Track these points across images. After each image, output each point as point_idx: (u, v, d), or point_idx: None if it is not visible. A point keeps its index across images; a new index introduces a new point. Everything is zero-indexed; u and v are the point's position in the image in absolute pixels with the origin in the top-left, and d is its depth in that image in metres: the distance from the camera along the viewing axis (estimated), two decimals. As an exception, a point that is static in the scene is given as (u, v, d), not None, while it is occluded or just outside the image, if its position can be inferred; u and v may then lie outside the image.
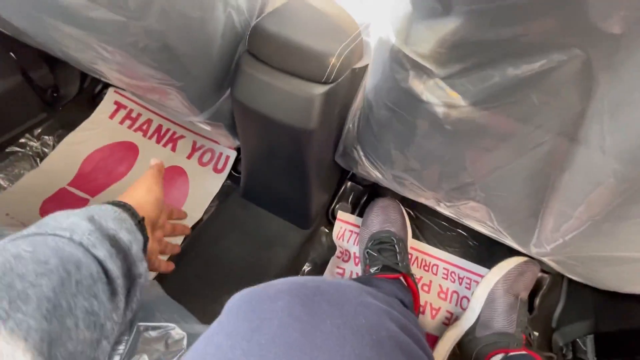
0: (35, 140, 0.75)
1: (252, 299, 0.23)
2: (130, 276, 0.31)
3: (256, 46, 0.40)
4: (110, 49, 0.34)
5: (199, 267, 0.63)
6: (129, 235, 0.31)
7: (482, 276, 0.71)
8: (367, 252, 0.62)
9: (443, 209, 0.58)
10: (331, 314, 0.21)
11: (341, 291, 0.23)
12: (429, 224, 0.75)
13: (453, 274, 0.72)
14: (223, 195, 0.75)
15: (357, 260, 0.71)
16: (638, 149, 0.24)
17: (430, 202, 0.56)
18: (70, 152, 0.76)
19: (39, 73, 0.74)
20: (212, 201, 0.75)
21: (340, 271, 0.70)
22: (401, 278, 0.57)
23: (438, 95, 0.30)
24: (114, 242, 0.30)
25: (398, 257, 0.60)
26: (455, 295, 0.70)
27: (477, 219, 0.52)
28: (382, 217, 0.67)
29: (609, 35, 0.20)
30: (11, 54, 0.69)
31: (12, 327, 0.19)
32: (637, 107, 0.22)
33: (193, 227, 0.71)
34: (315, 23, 0.42)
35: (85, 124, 0.80)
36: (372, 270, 0.57)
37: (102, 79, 0.60)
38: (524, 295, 0.62)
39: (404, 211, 0.70)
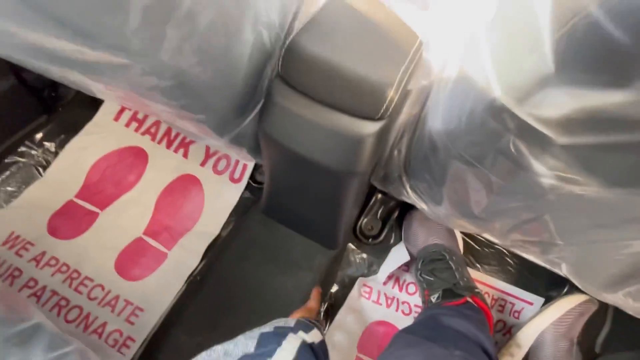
0: (36, 147, 0.69)
1: None
2: None
3: (291, 71, 0.31)
4: (114, 88, 0.27)
5: (221, 295, 0.58)
6: None
7: (524, 301, 0.65)
8: (422, 276, 0.56)
9: (494, 239, 0.51)
10: None
11: None
12: (464, 239, 0.69)
13: (494, 299, 0.66)
14: (241, 208, 0.69)
15: (386, 280, 0.66)
16: None
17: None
18: (75, 160, 0.70)
19: (34, 73, 0.66)
20: (230, 215, 0.69)
21: (368, 290, 0.65)
22: (469, 300, 0.52)
23: (552, 166, 0.22)
24: None
25: (457, 275, 0.55)
26: (498, 323, 0.65)
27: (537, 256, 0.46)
28: (425, 230, 0.62)
29: None
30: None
31: None
32: None
33: (211, 245, 0.66)
34: (363, 37, 0.33)
35: (88, 127, 0.73)
36: (433, 299, 0.53)
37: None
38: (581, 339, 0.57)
39: None
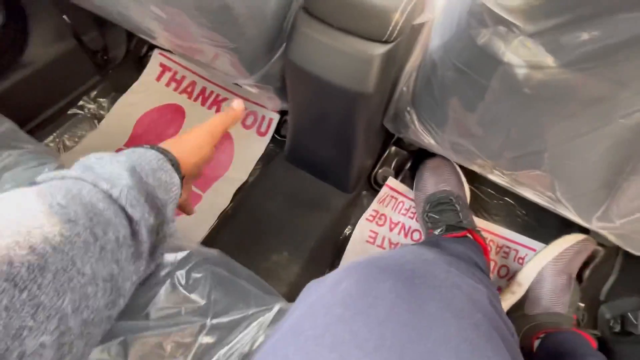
0: (92, 102, 0.79)
1: (361, 279, 0.25)
2: (158, 234, 0.30)
3: (313, 2, 0.38)
4: (168, 9, 0.34)
5: (249, 225, 0.67)
6: (165, 195, 0.30)
7: (529, 248, 0.69)
8: (427, 216, 0.62)
9: (496, 177, 0.55)
10: (432, 297, 0.23)
11: (432, 273, 0.25)
12: (474, 191, 0.73)
13: (499, 246, 0.71)
14: (267, 158, 0.77)
15: (392, 226, 0.72)
16: None
17: (483, 170, 0.54)
18: (124, 115, 0.80)
19: (90, 36, 0.76)
20: (257, 164, 0.77)
21: (373, 235, 0.71)
22: (468, 235, 0.57)
23: (522, 54, 0.27)
24: (150, 199, 0.28)
25: (460, 215, 0.60)
26: (502, 268, 0.69)
27: (535, 188, 0.50)
28: (435, 177, 0.66)
29: None
30: (65, 17, 0.70)
31: None
32: None
33: (240, 189, 0.74)
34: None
35: (134, 86, 0.82)
36: (437, 232, 0.58)
37: (150, 40, 0.61)
38: (576, 273, 0.60)
39: (457, 167, 0.68)
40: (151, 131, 0.80)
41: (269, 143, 0.78)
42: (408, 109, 0.49)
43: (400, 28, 0.36)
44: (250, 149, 0.78)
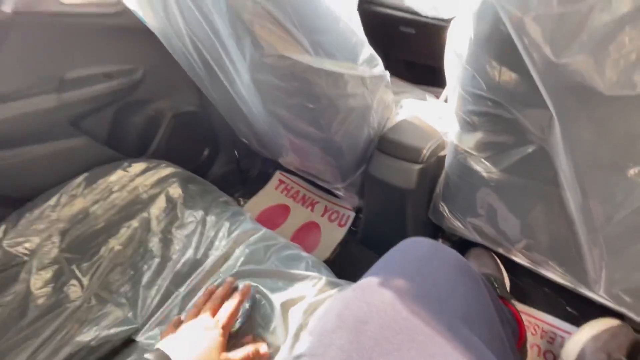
0: (237, 200, 1.24)
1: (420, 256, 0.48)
2: None
3: (383, 145, 0.75)
4: (299, 140, 0.73)
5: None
6: None
7: (567, 332, 0.77)
8: None
9: (519, 259, 0.74)
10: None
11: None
12: (514, 281, 0.88)
13: (544, 331, 0.80)
14: (344, 242, 1.06)
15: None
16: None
17: (507, 252, 0.74)
18: (253, 209, 1.22)
19: (244, 162, 1.27)
20: (336, 247, 1.06)
21: None
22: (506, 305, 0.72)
23: (481, 167, 0.57)
24: None
25: (498, 291, 0.75)
26: (547, 353, 0.77)
27: (541, 264, 0.68)
28: (476, 262, 0.85)
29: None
30: (235, 152, 1.23)
31: None
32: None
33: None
34: (415, 131, 0.75)
35: (261, 192, 1.27)
36: None
37: (279, 159, 1.04)
38: (618, 356, 0.67)
39: (496, 257, 0.86)
40: (267, 220, 1.18)
41: (347, 233, 1.09)
42: (442, 203, 0.77)
43: (428, 157, 0.69)
44: (332, 236, 1.09)
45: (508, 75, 0.39)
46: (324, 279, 0.56)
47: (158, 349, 0.37)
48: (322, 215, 1.16)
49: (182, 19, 0.57)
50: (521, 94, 0.40)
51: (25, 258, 0.63)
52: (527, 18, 0.31)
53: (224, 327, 0.43)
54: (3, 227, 0.67)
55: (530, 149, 0.46)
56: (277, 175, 1.31)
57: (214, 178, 1.15)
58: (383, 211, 0.83)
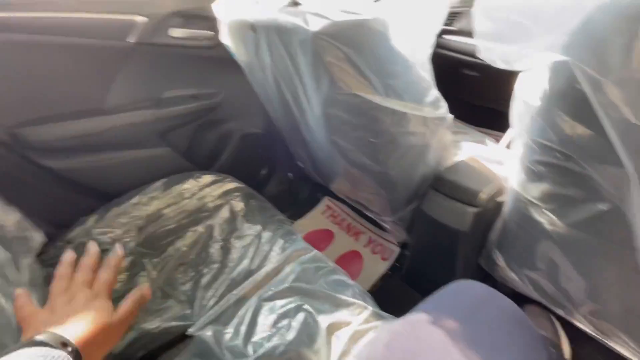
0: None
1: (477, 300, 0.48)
2: None
3: (439, 184, 0.75)
4: (353, 169, 0.77)
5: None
6: None
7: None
8: None
9: (581, 324, 0.68)
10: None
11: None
12: (574, 348, 0.80)
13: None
14: (386, 276, 1.05)
15: None
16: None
17: (567, 315, 0.68)
18: (299, 231, 1.25)
19: (295, 185, 1.34)
20: (377, 280, 1.05)
21: None
22: None
23: (545, 219, 0.55)
24: None
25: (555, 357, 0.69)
26: None
27: (609, 334, 0.62)
28: (534, 322, 0.79)
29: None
30: (289, 174, 1.30)
31: None
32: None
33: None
34: (473, 173, 0.75)
35: (308, 214, 1.31)
36: None
37: (329, 184, 1.07)
38: None
39: (555, 320, 0.79)
40: (311, 244, 1.21)
41: (389, 267, 1.08)
42: (496, 251, 0.74)
43: (485, 201, 0.69)
44: (374, 268, 1.08)
45: (581, 131, 0.40)
46: (369, 310, 0.57)
47: (52, 333, 0.33)
48: (366, 246, 1.16)
49: (269, 56, 0.66)
50: (595, 151, 0.40)
51: (108, 246, 0.73)
52: (606, 80, 0.32)
53: (107, 295, 0.43)
54: (95, 216, 0.78)
55: (602, 206, 0.45)
56: (325, 200, 1.35)
57: (267, 196, 1.23)
58: (432, 251, 0.82)
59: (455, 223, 0.71)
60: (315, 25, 0.51)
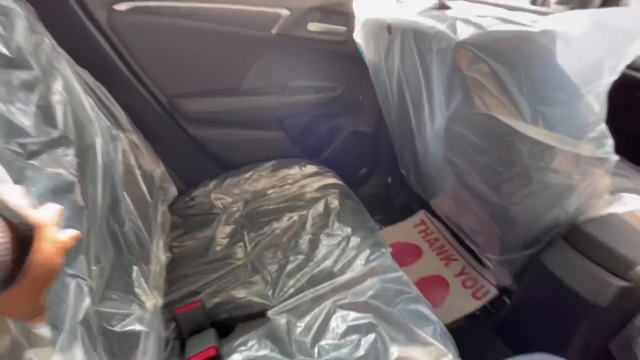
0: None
1: None
2: None
3: (574, 237, 0.61)
4: (462, 192, 0.67)
5: None
6: None
7: None
8: None
9: None
10: None
11: None
12: None
13: None
14: (471, 317, 0.93)
15: None
16: None
17: None
18: (386, 238, 1.20)
19: (392, 190, 1.28)
20: (462, 318, 0.93)
21: None
22: None
23: None
24: None
25: None
26: None
27: None
28: None
29: None
30: (389, 179, 1.25)
31: None
32: None
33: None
34: (629, 235, 0.58)
35: (399, 224, 1.25)
36: None
37: (430, 199, 0.98)
38: None
39: None
40: (395, 255, 1.15)
41: (480, 308, 0.94)
42: (640, 343, 0.57)
43: (642, 277, 0.52)
44: (460, 304, 0.97)
45: None
46: (449, 357, 0.50)
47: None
48: (457, 276, 1.04)
49: (400, 60, 0.62)
50: None
51: (218, 211, 0.83)
52: None
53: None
54: (214, 182, 0.90)
55: None
56: (421, 214, 1.26)
57: (361, 196, 1.21)
58: (544, 311, 0.68)
59: (588, 292, 0.56)
60: (462, 33, 0.45)
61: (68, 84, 0.57)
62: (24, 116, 0.45)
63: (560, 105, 0.44)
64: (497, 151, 0.54)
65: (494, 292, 0.96)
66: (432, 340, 0.52)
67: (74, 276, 0.42)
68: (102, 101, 0.68)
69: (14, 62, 0.48)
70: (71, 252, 0.34)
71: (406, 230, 1.22)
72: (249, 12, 0.84)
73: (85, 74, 0.66)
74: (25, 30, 0.51)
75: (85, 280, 0.43)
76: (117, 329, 0.47)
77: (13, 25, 0.50)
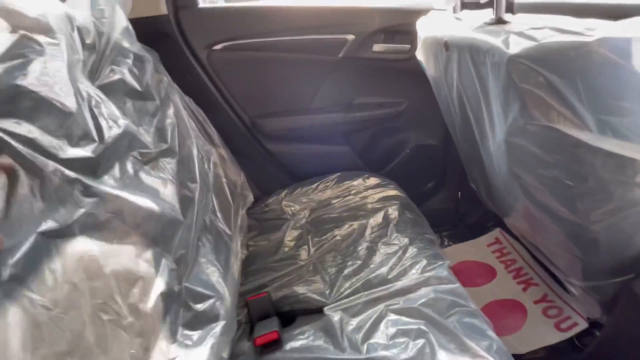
0: (442, 239, 1.22)
1: None
2: None
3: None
4: (535, 210, 0.62)
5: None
6: None
7: None
8: None
9: None
10: None
11: None
12: None
13: None
14: (552, 350, 0.82)
15: None
16: None
17: None
18: (455, 256, 1.16)
19: (463, 206, 1.22)
20: (542, 349, 0.84)
21: None
22: None
23: None
24: None
25: None
26: None
27: None
28: None
29: None
30: (459, 193, 1.20)
31: None
32: None
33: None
34: None
35: (471, 242, 1.18)
36: None
37: (504, 216, 0.92)
38: None
39: None
40: (464, 274, 1.10)
41: (564, 341, 0.83)
42: None
43: None
44: (540, 334, 0.87)
45: None
46: (505, 376, 0.48)
47: None
48: (537, 303, 0.94)
49: (458, 74, 0.64)
50: None
51: (288, 217, 0.93)
52: None
53: None
54: (286, 191, 1.01)
55: None
56: (497, 232, 1.17)
57: (428, 210, 1.19)
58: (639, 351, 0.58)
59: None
60: (515, 47, 0.46)
61: (177, 110, 0.73)
62: (147, 134, 0.61)
63: (630, 115, 0.41)
64: (565, 164, 0.51)
65: (583, 325, 0.84)
66: (485, 354, 0.50)
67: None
68: (200, 122, 0.85)
69: (143, 95, 0.65)
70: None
71: (478, 249, 1.15)
72: (319, 40, 0.95)
73: (190, 101, 0.84)
74: (151, 71, 0.70)
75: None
76: (198, 306, 0.57)
77: (144, 68, 0.68)
